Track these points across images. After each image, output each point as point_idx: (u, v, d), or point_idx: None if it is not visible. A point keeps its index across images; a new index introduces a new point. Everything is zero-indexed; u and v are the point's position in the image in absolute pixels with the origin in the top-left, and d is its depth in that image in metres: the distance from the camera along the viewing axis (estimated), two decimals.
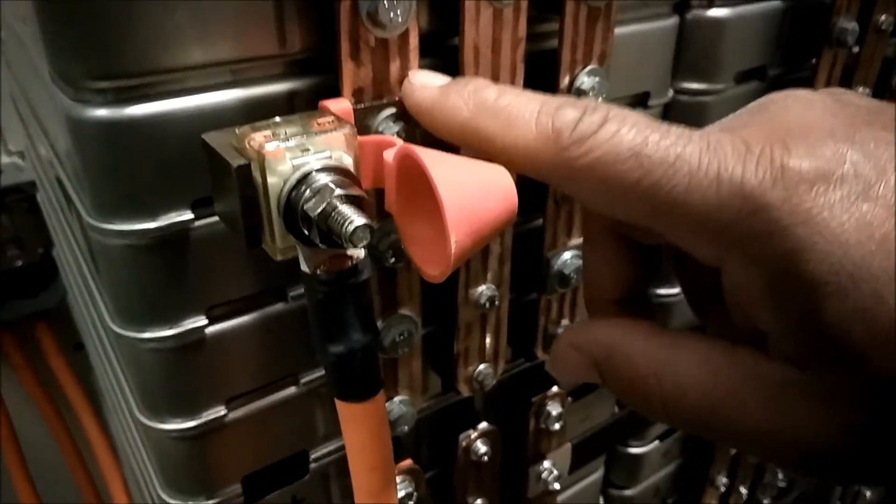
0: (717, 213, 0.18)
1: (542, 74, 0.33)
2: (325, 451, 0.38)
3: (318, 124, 0.23)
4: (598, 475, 0.59)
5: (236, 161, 0.21)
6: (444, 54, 0.31)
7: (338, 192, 0.21)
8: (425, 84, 0.26)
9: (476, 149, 0.24)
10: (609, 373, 0.23)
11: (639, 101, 0.42)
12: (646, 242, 0.26)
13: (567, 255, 0.40)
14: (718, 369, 0.20)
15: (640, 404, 0.22)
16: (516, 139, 0.22)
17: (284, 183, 0.22)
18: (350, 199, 0.21)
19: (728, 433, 0.20)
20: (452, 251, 0.21)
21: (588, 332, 0.24)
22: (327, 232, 0.21)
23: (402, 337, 0.35)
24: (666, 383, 0.21)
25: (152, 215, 0.28)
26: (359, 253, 0.24)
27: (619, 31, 0.36)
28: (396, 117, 0.29)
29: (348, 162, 0.23)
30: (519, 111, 0.22)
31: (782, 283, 0.18)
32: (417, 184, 0.22)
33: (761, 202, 0.18)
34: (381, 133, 0.28)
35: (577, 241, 0.40)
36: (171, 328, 0.30)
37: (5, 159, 0.66)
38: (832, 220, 0.17)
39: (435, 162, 0.22)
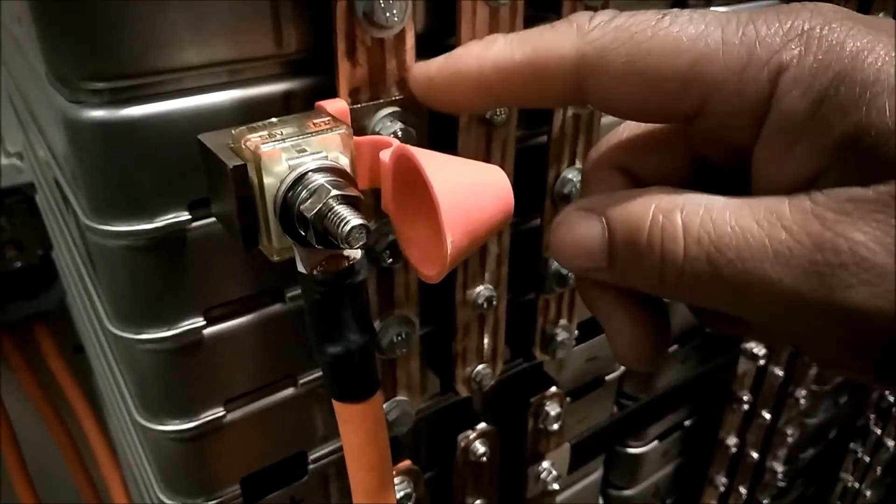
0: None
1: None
2: (323, 451, 0.38)
3: (315, 125, 0.23)
4: (597, 475, 0.59)
5: (232, 162, 0.21)
6: (440, 54, 0.31)
7: (334, 192, 0.21)
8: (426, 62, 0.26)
9: (494, 79, 0.22)
10: (621, 229, 0.20)
11: None
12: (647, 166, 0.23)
13: None
14: (758, 206, 0.17)
15: (653, 259, 0.19)
16: (539, 43, 0.21)
17: (280, 183, 0.22)
18: (346, 200, 0.21)
19: (764, 282, 0.17)
20: (448, 251, 0.21)
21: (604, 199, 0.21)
22: (324, 232, 0.21)
23: (400, 337, 0.34)
24: (690, 216, 0.18)
25: (149, 216, 0.28)
26: (355, 253, 0.24)
27: None
28: (393, 117, 0.29)
29: (344, 162, 0.23)
30: (534, 31, 0.21)
31: (837, 90, 0.16)
32: (414, 184, 0.22)
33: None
34: (378, 133, 0.28)
35: None
36: (168, 329, 0.30)
37: (4, 161, 0.66)
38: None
39: (431, 162, 0.21)
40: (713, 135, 0.20)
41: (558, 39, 0.20)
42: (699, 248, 0.17)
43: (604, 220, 0.20)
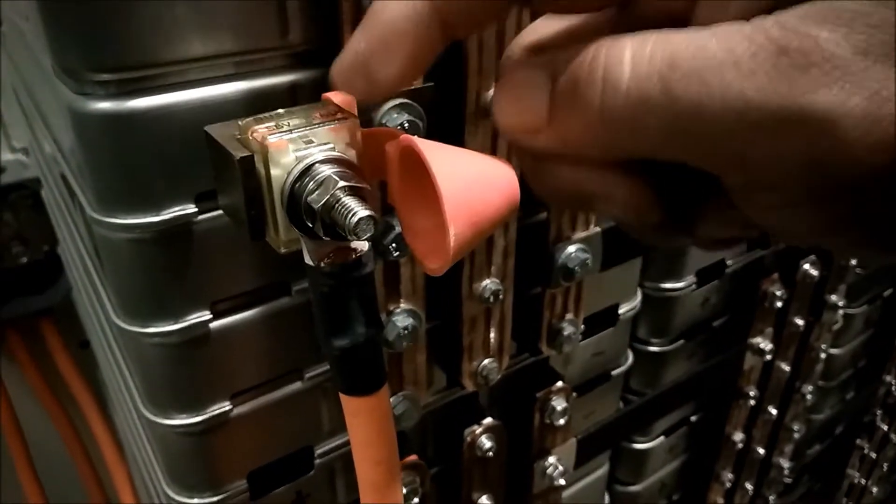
0: None
1: None
2: (330, 446, 0.38)
3: (322, 116, 0.23)
4: (603, 471, 0.58)
5: (239, 153, 0.21)
6: (448, 47, 0.31)
7: (341, 183, 0.21)
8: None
9: None
10: (564, 64, 0.17)
11: None
12: None
13: (572, 248, 0.39)
14: (718, 26, 0.16)
15: (594, 85, 0.17)
16: None
17: (287, 175, 0.21)
18: (353, 191, 0.21)
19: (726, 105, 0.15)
20: (451, 244, 0.21)
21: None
22: (331, 224, 0.21)
23: (406, 331, 0.34)
24: (643, 41, 0.16)
25: (156, 209, 0.28)
26: (363, 245, 0.23)
27: None
28: (400, 109, 0.28)
29: (351, 154, 0.23)
30: None
31: None
32: (419, 176, 0.22)
33: None
34: (384, 125, 0.28)
35: (581, 234, 0.40)
36: (175, 323, 0.30)
37: (9, 156, 0.66)
38: None
39: (435, 154, 0.21)
40: (651, 10, 0.18)
41: None
42: (649, 66, 0.16)
43: (548, 69, 0.18)
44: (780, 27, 0.15)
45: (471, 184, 0.22)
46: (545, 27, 0.21)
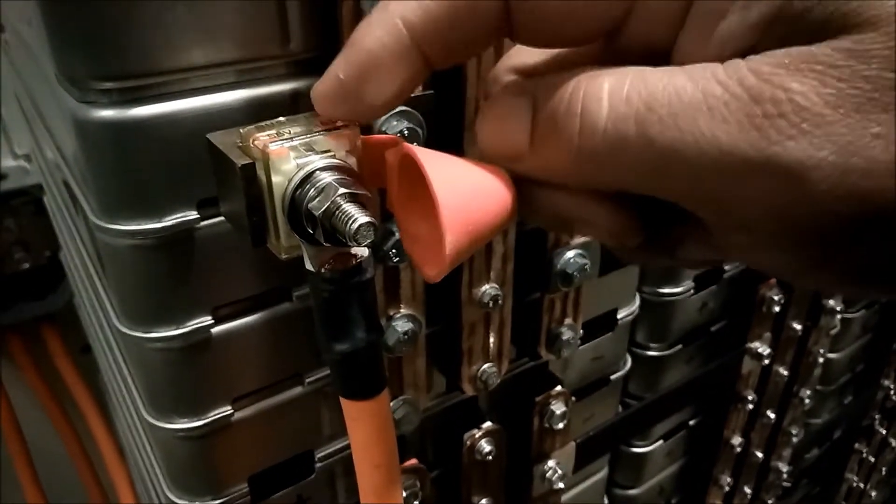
0: None
1: None
2: (330, 450, 0.39)
3: (322, 124, 0.23)
4: (602, 475, 0.59)
5: (241, 160, 0.21)
6: (428, 75, 0.31)
7: (342, 190, 0.21)
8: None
9: None
10: (545, 94, 0.18)
11: None
12: None
13: (570, 253, 0.40)
14: (693, 67, 0.16)
15: (572, 120, 0.17)
16: None
17: (289, 182, 0.22)
18: (354, 198, 0.21)
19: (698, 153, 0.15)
20: (448, 252, 0.21)
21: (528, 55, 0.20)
22: (331, 230, 0.21)
23: (406, 336, 0.35)
24: (616, 78, 0.16)
25: (158, 215, 0.28)
26: (363, 251, 0.24)
27: None
28: (400, 116, 0.29)
29: (352, 161, 0.23)
30: None
31: None
32: (417, 183, 0.23)
33: None
34: (384, 132, 0.29)
35: (580, 240, 0.40)
36: (177, 328, 0.30)
37: (11, 162, 0.66)
38: None
39: (433, 162, 0.22)
40: (634, 43, 0.18)
41: None
42: (627, 107, 0.16)
43: (531, 98, 0.18)
44: (755, 75, 0.15)
45: (468, 192, 0.22)
46: (532, 50, 0.21)
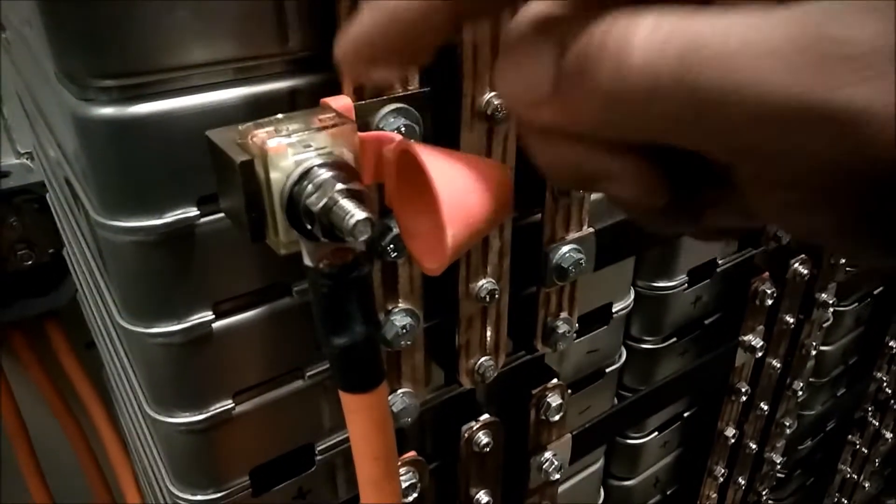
0: None
1: None
2: (330, 443, 0.39)
3: (320, 121, 0.23)
4: (598, 466, 0.59)
5: (240, 157, 0.22)
6: (442, 52, 0.32)
7: (339, 186, 0.22)
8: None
9: None
10: (573, 35, 0.16)
11: None
12: None
13: (565, 248, 0.40)
14: (745, 9, 0.14)
15: (607, 56, 0.15)
16: None
17: (287, 178, 0.22)
18: (351, 194, 0.22)
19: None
20: (449, 245, 0.21)
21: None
22: (329, 226, 0.22)
23: (404, 330, 0.35)
24: (663, 17, 0.15)
25: (159, 212, 0.28)
26: (360, 246, 0.24)
27: None
28: (397, 113, 0.29)
29: (349, 157, 0.23)
30: None
31: None
32: (416, 179, 0.23)
33: None
34: (382, 129, 0.29)
35: (575, 234, 0.41)
36: (178, 323, 0.31)
37: (14, 160, 0.67)
38: None
39: (432, 158, 0.22)
40: None
41: None
42: (667, 46, 0.14)
43: (555, 39, 0.16)
44: (822, 12, 0.13)
45: (467, 186, 0.23)
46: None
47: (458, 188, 0.22)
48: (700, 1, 0.16)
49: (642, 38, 0.14)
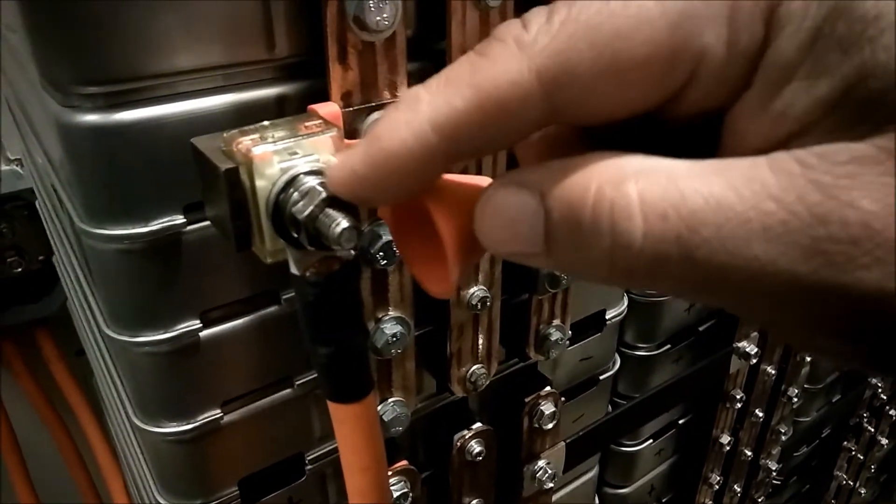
0: None
1: None
2: (320, 452, 0.39)
3: (306, 128, 0.23)
4: (592, 474, 0.59)
5: (224, 165, 0.21)
6: (431, 58, 0.32)
7: (325, 194, 0.21)
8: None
9: None
10: (559, 200, 0.16)
11: None
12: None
13: None
14: (730, 171, 0.14)
15: (601, 236, 0.15)
16: (478, 79, 0.16)
17: (272, 186, 0.22)
18: (337, 202, 0.21)
19: (737, 267, 0.14)
20: (454, 279, 0.21)
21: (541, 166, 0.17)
22: (315, 234, 0.21)
23: (394, 338, 0.35)
24: (648, 182, 0.14)
25: (144, 220, 0.28)
26: (347, 254, 0.24)
27: None
28: None
29: None
30: (459, 69, 0.17)
31: (834, 26, 0.14)
32: (414, 204, 0.22)
33: None
34: None
35: None
36: (164, 332, 0.31)
37: (4, 167, 0.66)
38: None
39: (434, 193, 0.21)
40: (692, 102, 0.16)
41: (500, 65, 0.16)
42: (664, 226, 0.14)
43: (538, 196, 0.16)
44: (816, 188, 0.13)
45: (468, 213, 0.22)
46: None
47: (459, 215, 0.21)
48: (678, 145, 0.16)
49: (638, 213, 0.14)
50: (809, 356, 0.61)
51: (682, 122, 0.17)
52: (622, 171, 0.15)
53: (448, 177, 0.22)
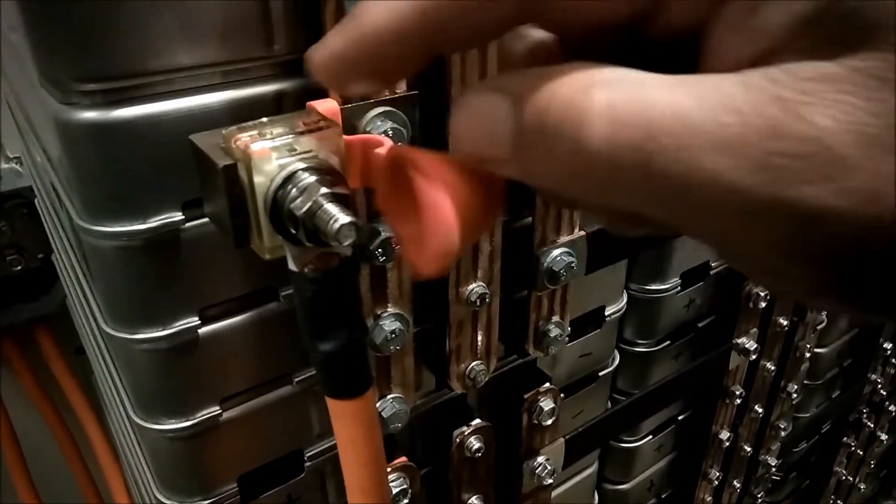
0: None
1: None
2: (319, 449, 0.39)
3: (305, 124, 0.23)
4: (592, 470, 0.59)
5: (223, 161, 0.21)
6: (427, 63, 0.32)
7: (323, 190, 0.21)
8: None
9: None
10: (531, 102, 0.16)
11: None
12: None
13: (556, 252, 0.40)
14: (701, 84, 0.14)
15: (567, 133, 0.15)
16: None
17: (271, 182, 0.22)
18: (336, 198, 0.22)
19: (700, 179, 0.14)
20: (445, 253, 0.21)
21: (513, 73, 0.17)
22: (314, 230, 0.22)
23: (393, 335, 0.35)
24: (617, 87, 0.15)
25: (143, 217, 0.28)
26: (346, 251, 0.24)
27: None
28: (384, 116, 0.29)
29: (334, 161, 0.23)
30: None
31: None
32: (407, 184, 0.23)
33: None
34: (369, 132, 0.29)
35: (566, 238, 0.41)
36: (163, 329, 0.31)
37: (4, 165, 0.66)
38: None
39: (423, 164, 0.22)
40: (672, 17, 0.16)
41: None
42: (625, 131, 0.14)
43: (510, 99, 0.16)
44: (778, 103, 0.13)
45: (460, 192, 0.22)
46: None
47: (452, 195, 0.22)
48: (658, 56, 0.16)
49: (601, 116, 0.14)
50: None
51: (663, 38, 0.17)
52: (591, 79, 0.15)
53: (441, 156, 0.23)
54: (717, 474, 0.70)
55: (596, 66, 0.15)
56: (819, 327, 0.72)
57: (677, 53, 0.17)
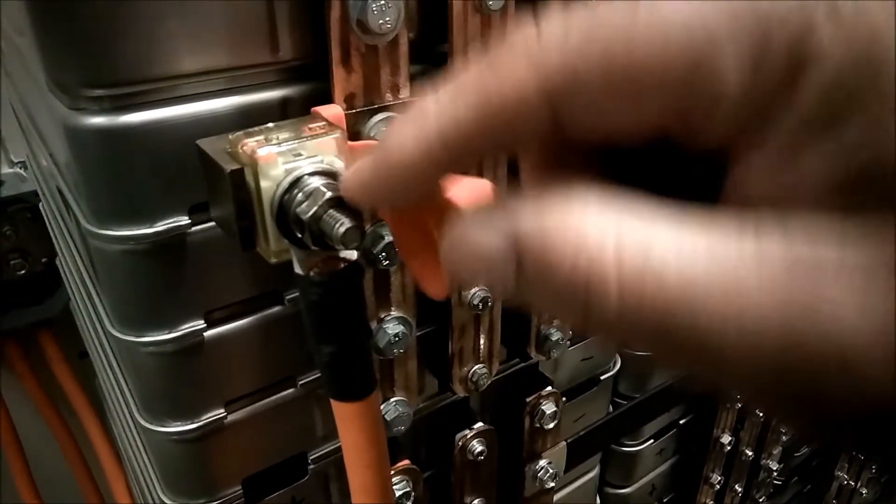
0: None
1: None
2: (323, 451, 0.39)
3: (310, 129, 0.23)
4: (594, 474, 0.59)
5: (230, 166, 0.22)
6: (433, 60, 0.32)
7: (329, 195, 0.22)
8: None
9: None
10: (533, 251, 0.15)
11: None
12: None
13: None
14: (715, 241, 0.14)
15: (576, 297, 0.15)
16: (485, 87, 0.16)
17: (277, 187, 0.22)
18: (341, 202, 0.22)
19: (711, 339, 0.14)
20: (448, 283, 0.21)
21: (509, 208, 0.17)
22: (319, 234, 0.22)
23: (397, 338, 0.35)
24: (628, 253, 0.14)
25: (150, 221, 0.28)
26: (351, 254, 0.24)
27: None
28: (388, 122, 0.29)
29: (339, 166, 0.23)
30: (468, 74, 0.17)
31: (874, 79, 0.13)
32: (420, 219, 0.23)
33: None
34: (373, 138, 0.29)
35: None
36: (169, 332, 0.31)
37: (7, 170, 0.66)
38: None
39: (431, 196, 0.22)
40: (698, 143, 0.16)
41: (506, 78, 0.16)
42: (640, 301, 0.14)
43: (509, 241, 0.15)
44: (794, 279, 0.13)
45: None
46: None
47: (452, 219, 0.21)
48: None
49: (615, 280, 0.14)
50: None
51: (687, 158, 0.16)
52: (603, 228, 0.15)
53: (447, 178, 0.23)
54: (719, 478, 0.70)
55: (599, 202, 0.15)
56: None
57: (699, 169, 0.17)
